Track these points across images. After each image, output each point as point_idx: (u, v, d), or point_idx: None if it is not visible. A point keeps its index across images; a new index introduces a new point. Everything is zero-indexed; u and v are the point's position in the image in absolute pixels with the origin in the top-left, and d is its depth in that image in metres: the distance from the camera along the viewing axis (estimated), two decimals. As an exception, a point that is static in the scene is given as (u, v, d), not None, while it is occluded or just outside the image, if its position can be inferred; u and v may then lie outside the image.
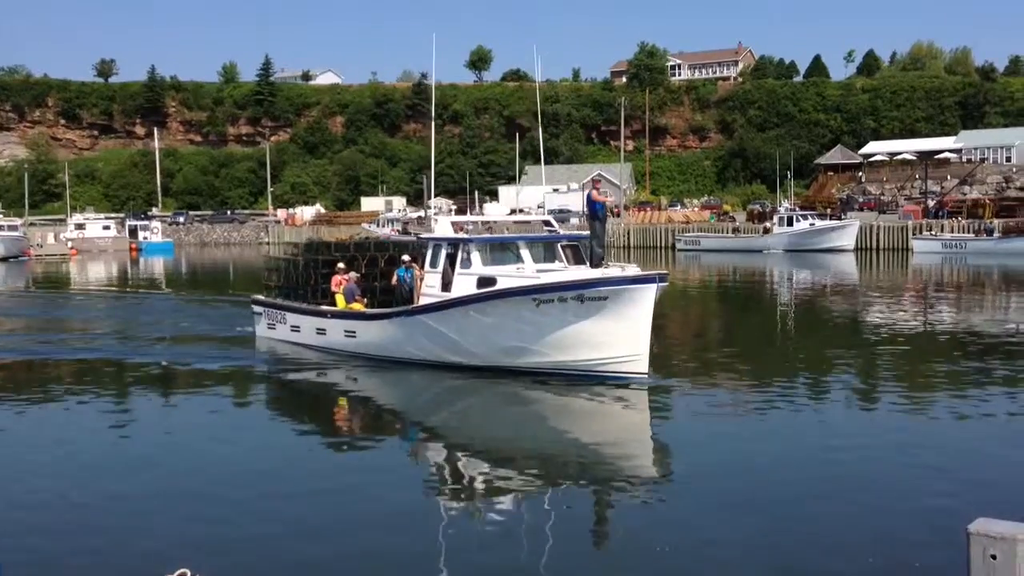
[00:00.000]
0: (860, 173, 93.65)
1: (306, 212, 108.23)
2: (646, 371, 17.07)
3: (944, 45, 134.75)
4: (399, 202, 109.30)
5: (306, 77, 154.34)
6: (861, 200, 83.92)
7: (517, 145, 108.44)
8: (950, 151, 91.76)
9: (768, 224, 70.44)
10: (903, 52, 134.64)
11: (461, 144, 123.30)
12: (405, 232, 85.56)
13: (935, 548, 8.86)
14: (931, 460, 12.24)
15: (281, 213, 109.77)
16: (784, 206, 74.40)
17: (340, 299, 21.37)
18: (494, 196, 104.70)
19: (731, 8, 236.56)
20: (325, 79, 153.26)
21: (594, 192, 18.97)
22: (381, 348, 20.08)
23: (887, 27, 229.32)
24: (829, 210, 77.52)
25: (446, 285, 18.71)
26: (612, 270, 17.28)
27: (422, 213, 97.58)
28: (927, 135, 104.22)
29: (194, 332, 26.34)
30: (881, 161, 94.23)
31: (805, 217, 67.79)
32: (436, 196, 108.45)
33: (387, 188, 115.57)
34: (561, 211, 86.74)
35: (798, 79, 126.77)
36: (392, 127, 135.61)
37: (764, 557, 8.79)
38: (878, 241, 65.52)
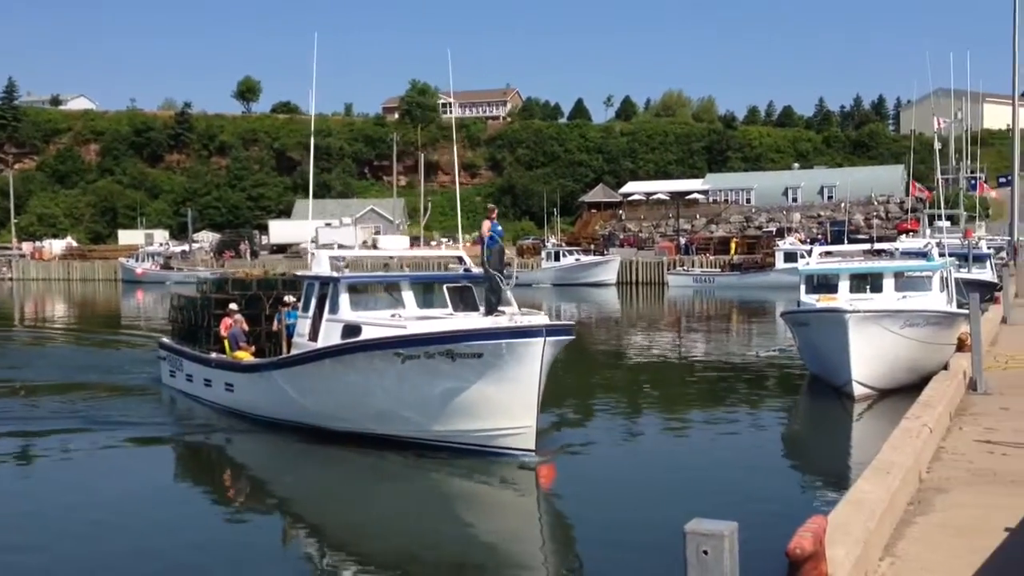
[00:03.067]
0: (620, 211, 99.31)
1: (55, 245, 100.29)
2: (532, 447, 13.64)
3: (691, 94, 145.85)
4: (161, 235, 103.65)
5: (55, 102, 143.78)
6: (621, 236, 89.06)
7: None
8: (699, 192, 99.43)
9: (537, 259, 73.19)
10: (656, 99, 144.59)
11: (229, 176, 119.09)
12: (167, 267, 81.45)
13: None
14: (660, 474, 13.76)
15: (27, 246, 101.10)
16: (551, 242, 77.62)
17: (227, 345, 18.65)
18: (264, 230, 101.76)
19: (499, 50, 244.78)
20: (77, 104, 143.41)
21: (488, 220, 15.62)
22: (255, 407, 17.07)
23: (641, 75, 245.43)
24: (592, 246, 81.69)
25: (314, 333, 15.78)
26: (502, 319, 13.91)
27: (186, 247, 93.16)
28: (679, 177, 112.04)
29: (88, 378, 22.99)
30: (639, 200, 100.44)
31: (571, 252, 71.07)
32: (199, 231, 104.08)
33: (147, 221, 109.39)
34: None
35: (563, 121, 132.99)
36: (153, 157, 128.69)
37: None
38: (637, 275, 69.63)
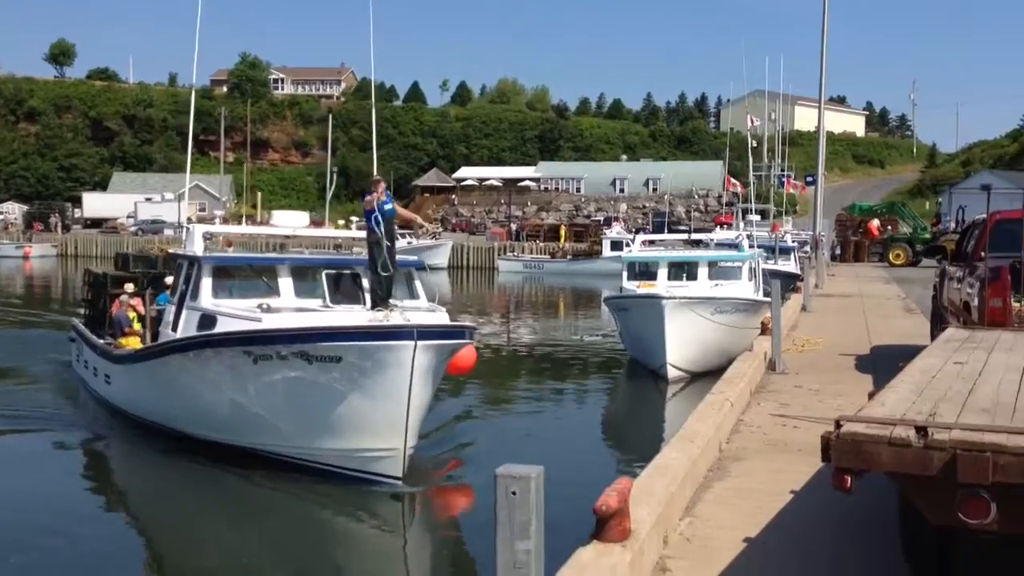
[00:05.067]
0: (453, 196, 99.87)
1: None
2: (399, 474, 11.44)
3: (526, 83, 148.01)
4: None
5: None
6: (454, 221, 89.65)
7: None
8: (531, 179, 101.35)
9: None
10: (491, 86, 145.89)
11: (39, 144, 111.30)
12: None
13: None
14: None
15: None
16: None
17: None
18: (77, 203, 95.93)
19: (333, 28, 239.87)
20: None
21: (371, 194, 13.00)
22: (126, 403, 15.15)
23: (477, 61, 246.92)
24: (439, 225, 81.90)
25: (175, 322, 13.77)
26: (392, 315, 11.84)
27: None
28: (512, 164, 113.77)
29: None
30: (472, 186, 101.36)
31: (403, 235, 70.94)
32: (4, 202, 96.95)
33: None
34: (155, 222, 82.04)
35: (398, 103, 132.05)
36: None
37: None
38: (468, 260, 70.32)
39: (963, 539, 4.81)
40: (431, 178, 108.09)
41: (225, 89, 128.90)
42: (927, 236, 48.66)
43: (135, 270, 18.88)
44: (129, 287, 17.06)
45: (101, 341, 16.79)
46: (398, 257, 13.35)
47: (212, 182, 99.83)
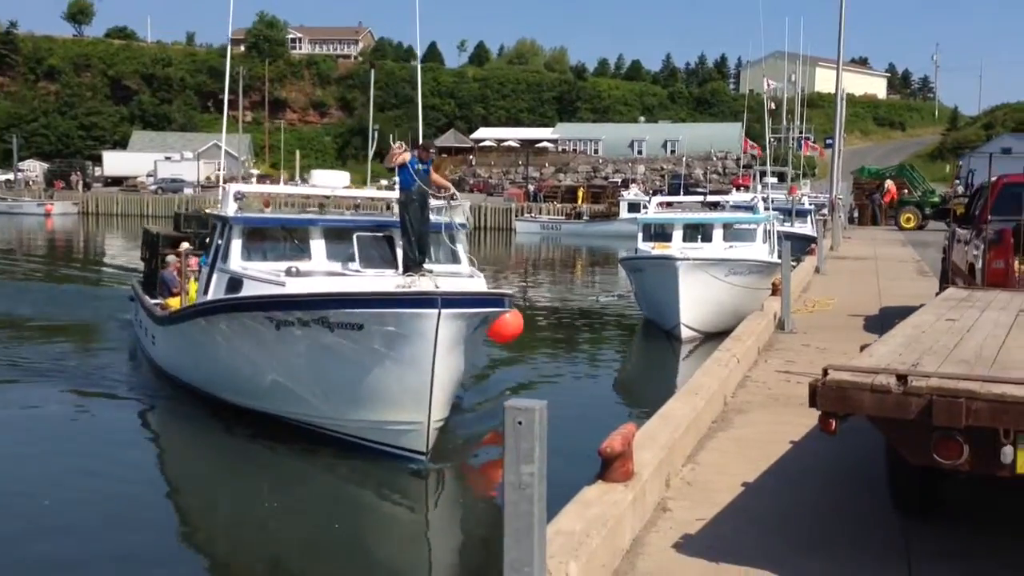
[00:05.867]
0: (471, 157, 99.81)
1: None
2: (424, 449, 10.87)
3: (544, 43, 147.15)
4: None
5: None
6: (471, 182, 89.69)
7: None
8: (548, 141, 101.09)
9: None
10: (509, 46, 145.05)
11: (59, 103, 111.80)
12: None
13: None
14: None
15: None
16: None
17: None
18: (97, 161, 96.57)
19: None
20: None
21: (397, 154, 12.71)
22: (168, 365, 15.06)
23: (496, 21, 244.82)
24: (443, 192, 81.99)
25: (206, 285, 13.59)
26: (420, 280, 11.33)
27: (11, 176, 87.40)
28: (529, 125, 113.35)
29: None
30: (490, 147, 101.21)
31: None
32: (25, 160, 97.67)
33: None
34: (174, 181, 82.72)
35: (415, 63, 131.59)
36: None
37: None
38: (486, 221, 70.55)
39: (942, 479, 5.18)
40: (449, 139, 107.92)
41: (242, 48, 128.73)
42: (935, 199, 48.50)
43: (187, 229, 18.67)
44: (185, 246, 16.63)
45: (152, 301, 16.68)
46: (440, 218, 13.08)
47: (231, 141, 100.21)
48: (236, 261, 12.94)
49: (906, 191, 51.82)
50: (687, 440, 6.93)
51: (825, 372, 4.57)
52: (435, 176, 13.27)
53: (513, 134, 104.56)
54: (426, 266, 12.19)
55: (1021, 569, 4.90)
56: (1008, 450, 4.13)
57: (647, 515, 5.55)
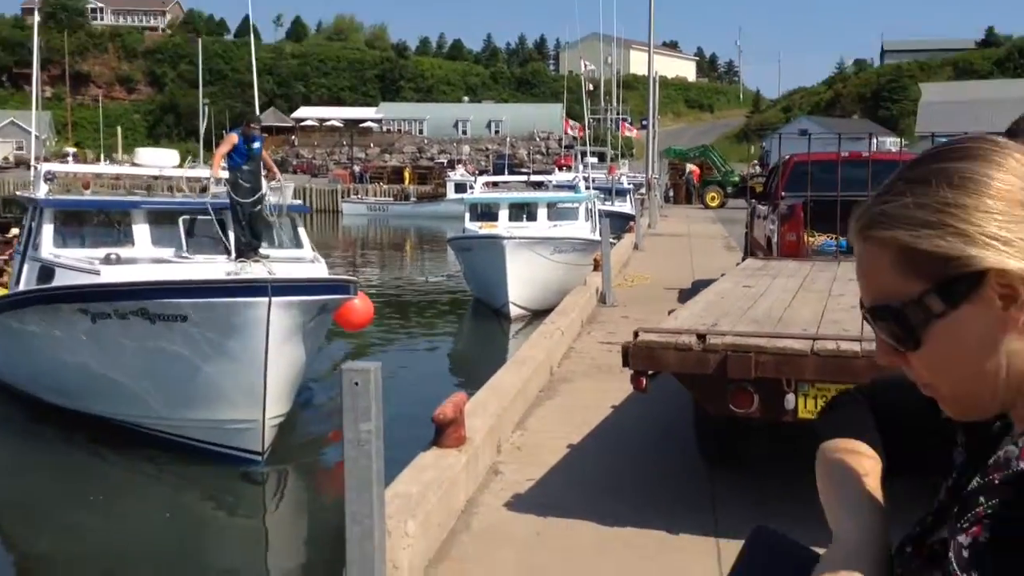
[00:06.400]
0: (293, 137, 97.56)
1: None
2: (260, 449, 10.13)
3: (364, 19, 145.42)
4: None
5: None
6: (294, 163, 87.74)
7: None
8: (372, 121, 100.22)
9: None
10: (328, 22, 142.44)
11: None
12: None
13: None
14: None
15: None
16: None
17: None
18: None
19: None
20: None
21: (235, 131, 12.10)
22: None
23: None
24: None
25: (18, 274, 12.59)
26: (252, 267, 10.79)
27: None
28: (352, 104, 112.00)
29: None
30: (312, 126, 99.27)
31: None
32: None
33: None
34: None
35: (229, 37, 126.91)
36: None
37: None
38: (311, 202, 69.32)
39: (744, 433, 5.81)
40: (268, 118, 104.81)
41: (38, 18, 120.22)
42: (735, 179, 51.74)
43: (7, 214, 17.33)
44: (15, 232, 15.17)
45: None
46: (279, 201, 12.44)
47: (28, 118, 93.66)
48: (47, 248, 12.04)
49: (710, 172, 54.92)
50: (516, 408, 7.34)
51: (636, 335, 5.05)
52: (266, 156, 12.84)
53: (336, 113, 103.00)
54: (263, 251, 11.64)
55: (807, 506, 5.58)
56: (791, 397, 4.72)
57: (480, 478, 5.90)
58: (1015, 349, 0.99)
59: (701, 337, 4.85)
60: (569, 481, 6.01)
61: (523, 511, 5.44)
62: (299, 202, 13.22)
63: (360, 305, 12.13)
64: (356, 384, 3.20)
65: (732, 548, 5.17)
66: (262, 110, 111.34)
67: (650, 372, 4.96)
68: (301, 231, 13.13)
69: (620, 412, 7.73)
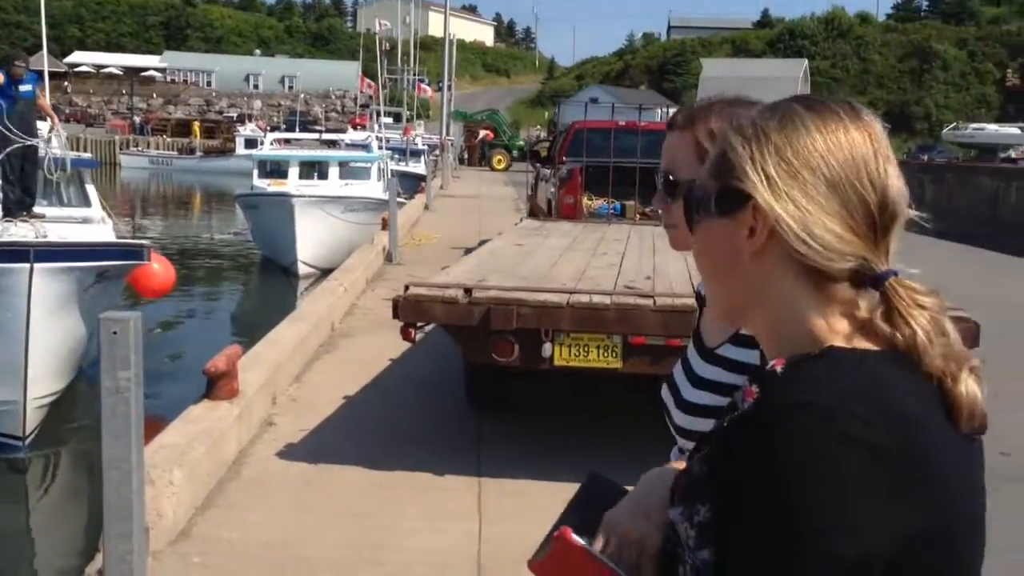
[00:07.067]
0: (66, 83, 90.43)
1: None
2: (21, 433, 8.84)
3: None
4: None
5: None
6: (67, 111, 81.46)
7: None
8: (156, 70, 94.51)
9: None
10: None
11: None
12: None
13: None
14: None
15: None
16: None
17: None
18: None
19: None
20: None
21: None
22: None
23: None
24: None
25: None
26: (19, 228, 9.68)
27: None
28: (133, 51, 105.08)
29: None
30: (88, 72, 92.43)
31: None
32: None
33: None
34: None
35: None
36: None
37: None
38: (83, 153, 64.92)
39: (507, 381, 6.17)
40: (38, 63, 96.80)
41: None
42: (520, 143, 53.28)
43: None
44: None
45: None
46: (62, 154, 11.23)
47: None
48: None
49: (495, 136, 56.11)
50: (294, 361, 7.39)
51: (407, 288, 5.25)
52: (42, 102, 11.58)
53: (115, 60, 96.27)
54: (39, 210, 10.57)
55: (553, 445, 6.01)
56: (548, 346, 5.09)
57: (253, 430, 5.94)
58: (751, 271, 1.06)
59: (468, 291, 5.12)
60: (343, 431, 6.17)
61: (295, 460, 5.55)
62: (88, 155, 11.97)
63: (159, 270, 11.45)
64: (115, 333, 3.20)
65: (491, 485, 5.55)
66: (31, 53, 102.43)
67: (419, 324, 5.18)
68: (90, 188, 12.16)
69: (397, 365, 7.94)
